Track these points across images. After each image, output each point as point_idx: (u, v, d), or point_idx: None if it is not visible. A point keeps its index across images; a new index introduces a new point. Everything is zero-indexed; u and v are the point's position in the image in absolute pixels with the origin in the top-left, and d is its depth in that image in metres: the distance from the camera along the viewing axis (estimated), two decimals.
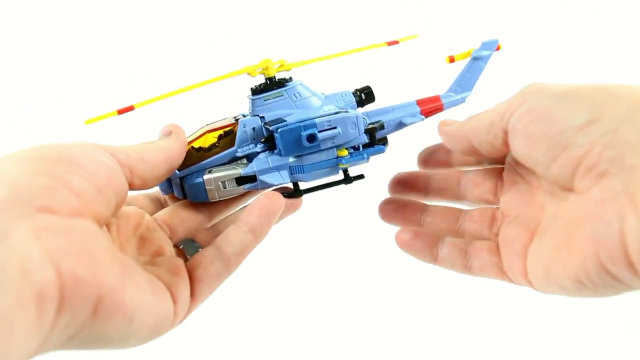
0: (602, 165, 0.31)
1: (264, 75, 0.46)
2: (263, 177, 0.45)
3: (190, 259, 0.42)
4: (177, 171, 0.44)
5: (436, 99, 0.52)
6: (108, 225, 0.39)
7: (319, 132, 0.44)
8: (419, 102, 0.52)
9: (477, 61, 0.52)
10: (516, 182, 0.43)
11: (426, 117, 0.52)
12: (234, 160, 0.46)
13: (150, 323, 0.33)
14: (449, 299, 0.84)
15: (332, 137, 0.45)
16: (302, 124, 0.44)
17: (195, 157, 0.46)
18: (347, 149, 0.46)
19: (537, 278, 0.37)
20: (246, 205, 0.46)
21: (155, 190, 0.48)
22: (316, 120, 0.44)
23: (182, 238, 0.45)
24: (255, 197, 0.45)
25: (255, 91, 0.47)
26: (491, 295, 0.82)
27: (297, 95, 0.47)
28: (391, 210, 0.48)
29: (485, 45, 0.52)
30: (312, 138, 0.44)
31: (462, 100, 0.53)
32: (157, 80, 0.88)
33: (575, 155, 0.32)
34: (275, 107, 0.46)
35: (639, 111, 0.31)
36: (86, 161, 0.34)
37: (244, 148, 0.46)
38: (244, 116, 0.47)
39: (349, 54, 0.50)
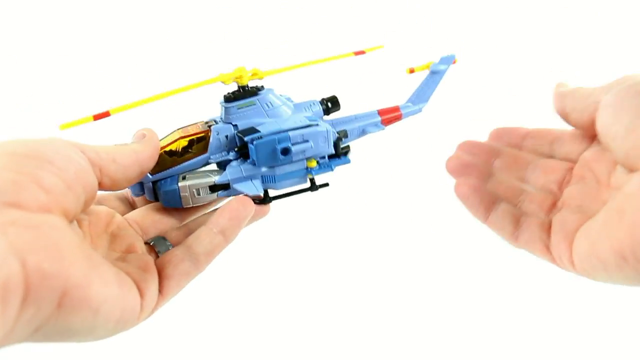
0: None
1: (237, 83, 0.48)
2: (237, 186, 0.47)
3: (160, 257, 0.43)
4: (149, 175, 0.46)
5: (396, 109, 0.56)
6: (79, 222, 0.40)
7: (292, 145, 0.46)
8: (380, 112, 0.55)
9: (435, 75, 0.56)
10: (585, 178, 0.43)
11: (386, 126, 0.55)
12: (205, 165, 0.48)
13: (116, 316, 0.34)
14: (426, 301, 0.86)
15: (304, 150, 0.47)
16: (276, 136, 0.46)
17: (168, 162, 0.47)
18: (315, 159, 0.49)
19: (580, 254, 0.37)
20: (217, 208, 0.48)
21: (125, 191, 0.49)
22: (290, 134, 0.46)
23: (154, 236, 0.46)
24: (227, 200, 0.47)
25: (229, 99, 0.48)
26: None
27: (268, 104, 0.48)
28: (458, 164, 0.47)
29: (443, 60, 0.56)
30: (286, 151, 0.46)
31: (419, 110, 0.57)
32: (134, 84, 0.86)
33: None
34: (247, 116, 0.48)
35: None
36: (56, 157, 0.34)
37: (217, 155, 0.48)
38: (216, 122, 0.49)
39: (319, 63, 0.52)
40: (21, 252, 0.29)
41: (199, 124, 0.49)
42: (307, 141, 0.47)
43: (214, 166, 0.49)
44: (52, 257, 0.30)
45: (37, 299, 0.29)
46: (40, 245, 0.29)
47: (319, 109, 0.52)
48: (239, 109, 0.48)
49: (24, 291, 0.28)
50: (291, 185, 0.49)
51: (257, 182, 0.47)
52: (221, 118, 0.49)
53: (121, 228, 0.45)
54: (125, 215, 0.47)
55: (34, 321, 0.30)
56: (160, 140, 0.47)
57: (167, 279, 0.41)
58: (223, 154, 0.48)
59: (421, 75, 0.57)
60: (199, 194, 0.47)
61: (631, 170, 0.35)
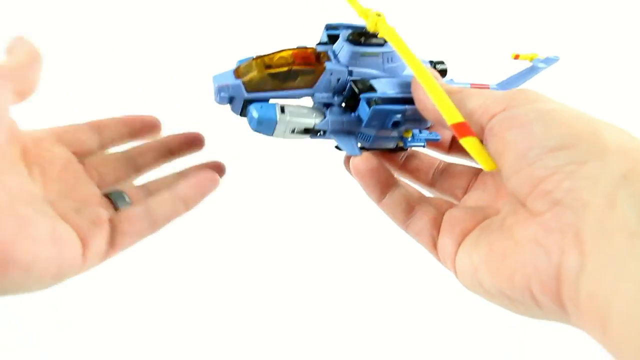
0: (558, 193, 0.30)
1: (367, 28, 0.42)
2: (338, 140, 0.44)
3: (119, 212, 0.42)
4: (245, 91, 0.42)
5: (487, 87, 0.53)
6: (29, 166, 0.38)
7: (405, 121, 0.43)
8: (473, 87, 0.52)
9: (532, 70, 0.54)
10: (486, 184, 0.43)
11: None
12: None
13: (52, 272, 0.34)
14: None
15: (409, 126, 0.45)
16: (394, 107, 0.42)
17: (269, 84, 0.43)
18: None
19: (463, 270, 0.37)
20: (182, 172, 0.48)
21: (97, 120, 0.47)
22: (407, 108, 0.43)
23: (112, 187, 0.46)
24: (195, 172, 0.45)
25: (356, 42, 0.43)
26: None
27: (389, 59, 0.44)
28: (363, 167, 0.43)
29: (548, 60, 0.54)
30: (396, 124, 0.43)
31: None
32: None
33: (536, 175, 0.32)
34: (364, 64, 0.44)
35: (612, 154, 0.30)
36: None
37: (322, 95, 0.44)
38: (329, 56, 0.44)
39: None
40: None
41: (309, 51, 0.44)
42: (417, 120, 0.44)
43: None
44: None
45: None
46: None
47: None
48: (362, 55, 0.43)
49: None
50: (380, 146, 0.47)
51: (355, 141, 0.45)
52: (335, 55, 0.44)
53: (77, 176, 0.43)
54: (86, 159, 0.45)
55: None
56: (268, 54, 0.43)
57: (122, 234, 0.41)
58: (328, 95, 0.44)
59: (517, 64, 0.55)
60: (292, 132, 0.44)
61: (522, 204, 0.34)
